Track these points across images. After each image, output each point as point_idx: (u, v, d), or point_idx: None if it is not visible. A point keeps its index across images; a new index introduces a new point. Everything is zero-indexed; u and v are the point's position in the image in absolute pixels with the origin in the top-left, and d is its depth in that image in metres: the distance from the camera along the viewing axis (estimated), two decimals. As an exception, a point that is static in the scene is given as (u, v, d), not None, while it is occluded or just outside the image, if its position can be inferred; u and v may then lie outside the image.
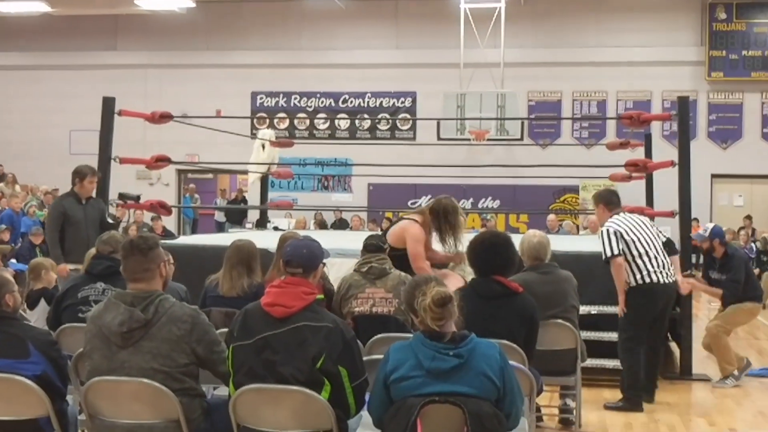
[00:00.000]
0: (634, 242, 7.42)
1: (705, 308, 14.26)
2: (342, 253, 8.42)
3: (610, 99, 22.01)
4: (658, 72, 21.43)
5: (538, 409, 6.61)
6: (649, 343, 7.65)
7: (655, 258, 7.44)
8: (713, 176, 20.95)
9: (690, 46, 21.76)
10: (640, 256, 7.41)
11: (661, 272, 7.44)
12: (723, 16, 21.59)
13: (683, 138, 9.39)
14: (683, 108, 9.46)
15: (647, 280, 7.41)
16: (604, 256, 7.44)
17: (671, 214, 9.44)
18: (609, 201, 7.76)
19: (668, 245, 7.80)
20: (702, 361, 9.24)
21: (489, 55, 20.09)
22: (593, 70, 21.69)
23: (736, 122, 21.79)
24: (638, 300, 7.43)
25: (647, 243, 7.45)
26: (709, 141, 21.65)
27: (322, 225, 20.29)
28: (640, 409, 7.46)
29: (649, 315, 7.52)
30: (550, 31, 21.73)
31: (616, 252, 7.35)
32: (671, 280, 7.54)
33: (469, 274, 6.47)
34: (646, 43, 21.49)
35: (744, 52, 21.52)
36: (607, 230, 7.43)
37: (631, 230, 7.47)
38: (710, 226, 8.98)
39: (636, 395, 7.52)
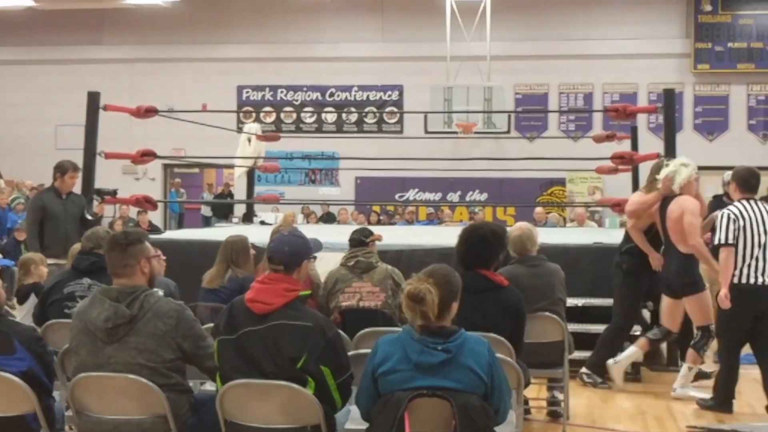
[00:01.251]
0: (746, 237, 6.84)
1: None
2: (330, 247, 8.41)
3: (596, 92, 22.01)
4: (645, 64, 21.44)
5: (526, 402, 6.63)
6: (756, 347, 7.11)
7: (755, 261, 6.83)
8: (700, 168, 20.92)
9: (676, 38, 21.79)
10: (745, 254, 6.84)
11: (749, 274, 6.84)
12: (709, 8, 21.61)
13: (669, 130, 9.44)
14: (669, 100, 9.51)
15: (744, 280, 6.85)
16: (717, 241, 6.98)
17: (657, 206, 9.45)
18: (744, 182, 7.10)
19: None
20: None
21: (475, 49, 20.06)
22: (579, 63, 21.70)
23: (723, 114, 21.83)
24: (734, 299, 6.86)
25: (752, 241, 6.84)
26: (696, 133, 21.69)
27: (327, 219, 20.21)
28: (729, 410, 7.09)
29: (738, 315, 6.92)
30: (537, 24, 21.72)
31: (730, 241, 6.82)
32: (763, 283, 6.86)
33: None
34: (632, 35, 21.51)
35: (730, 44, 21.55)
36: (727, 215, 6.92)
37: (751, 223, 6.86)
38: None
39: (726, 396, 7.12)
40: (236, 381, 3.99)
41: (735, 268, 6.85)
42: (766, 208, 6.98)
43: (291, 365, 3.96)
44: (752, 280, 6.82)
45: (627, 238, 8.13)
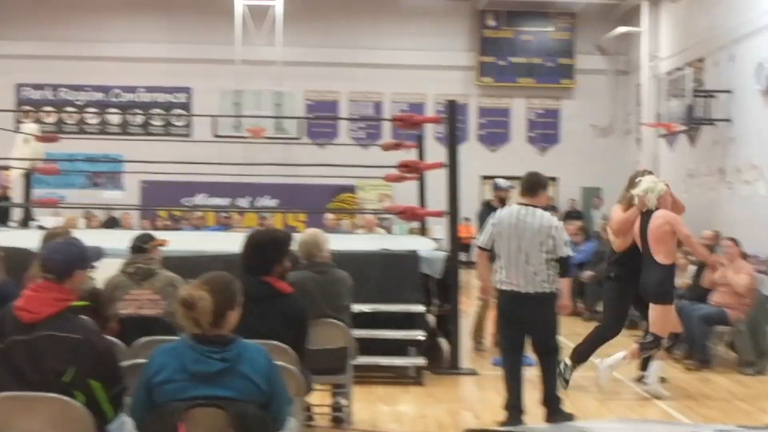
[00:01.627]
0: (503, 242, 6.78)
1: (474, 304, 14.73)
2: (111, 254, 8.12)
3: (386, 101, 22.45)
4: (432, 76, 22.05)
5: (309, 408, 6.62)
6: (537, 357, 7.02)
7: (515, 267, 6.71)
8: (483, 177, 21.73)
9: (462, 51, 22.53)
10: (499, 257, 6.83)
11: (510, 281, 6.75)
12: (493, 23, 22.48)
13: (451, 140, 9.70)
14: (451, 111, 9.79)
15: (505, 286, 6.80)
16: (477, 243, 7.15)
17: (440, 214, 9.70)
18: (521, 186, 7.00)
19: (563, 264, 6.77)
20: (468, 355, 9.55)
21: (266, 53, 20.02)
22: (370, 72, 22.06)
23: (504, 126, 22.76)
24: (498, 302, 7.06)
25: (508, 247, 6.75)
26: (479, 144, 22.51)
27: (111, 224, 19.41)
28: (518, 423, 6.81)
29: (506, 320, 6.95)
30: (328, 32, 21.91)
31: (481, 245, 6.97)
32: (526, 291, 6.71)
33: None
34: (420, 47, 22.07)
35: (512, 59, 22.50)
36: (491, 220, 6.98)
37: (509, 228, 6.77)
38: None
39: (509, 408, 6.82)
40: (2, 393, 3.81)
41: (498, 273, 6.90)
42: (536, 216, 6.78)
43: (56, 378, 3.80)
44: (513, 288, 6.78)
45: (612, 250, 8.44)
